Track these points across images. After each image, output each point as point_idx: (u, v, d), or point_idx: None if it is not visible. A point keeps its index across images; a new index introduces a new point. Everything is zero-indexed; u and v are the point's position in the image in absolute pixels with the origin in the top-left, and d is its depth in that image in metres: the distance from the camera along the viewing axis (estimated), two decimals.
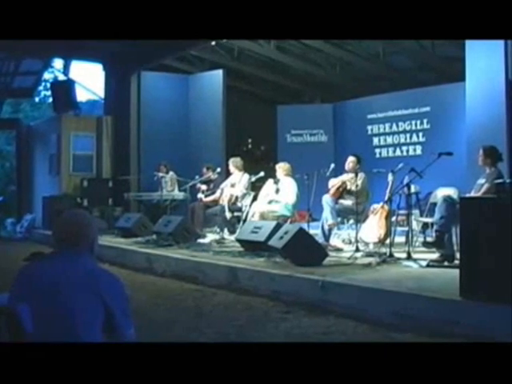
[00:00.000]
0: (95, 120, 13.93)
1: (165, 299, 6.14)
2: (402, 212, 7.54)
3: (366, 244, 7.51)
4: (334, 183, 8.29)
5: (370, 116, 12.24)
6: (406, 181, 6.84)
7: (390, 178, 7.35)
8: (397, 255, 6.64)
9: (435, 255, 6.33)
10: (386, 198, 7.27)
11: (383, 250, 7.00)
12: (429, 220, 7.25)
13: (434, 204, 6.82)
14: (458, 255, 5.29)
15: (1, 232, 14.70)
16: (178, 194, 10.57)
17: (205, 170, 10.50)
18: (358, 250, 7.21)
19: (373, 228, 7.31)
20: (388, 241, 7.02)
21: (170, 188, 10.93)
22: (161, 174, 10.77)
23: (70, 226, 2.37)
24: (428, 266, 6.10)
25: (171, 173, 11.14)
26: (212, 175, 10.36)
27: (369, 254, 7.02)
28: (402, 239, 7.54)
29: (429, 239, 6.72)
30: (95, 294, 2.21)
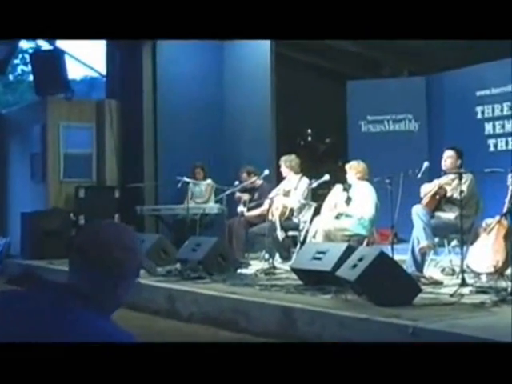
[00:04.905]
0: (94, 105, 14.14)
1: None
2: None
3: (477, 275, 7.44)
4: (427, 190, 8.27)
5: (479, 93, 12.16)
6: None
7: (511, 180, 7.29)
8: None
9: None
10: (505, 209, 7.22)
11: (502, 284, 6.92)
12: None
13: None
14: None
15: None
16: (211, 207, 10.65)
17: (245, 174, 10.57)
18: (464, 283, 7.16)
19: (486, 252, 7.25)
20: (509, 271, 6.96)
21: (205, 199, 11.02)
22: (191, 181, 10.84)
23: (93, 250, 2.13)
24: None
25: (209, 180, 11.23)
26: (257, 180, 10.43)
27: (481, 290, 6.94)
28: None
29: None
30: None
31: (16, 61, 23.08)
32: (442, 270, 8.44)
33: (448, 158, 8.24)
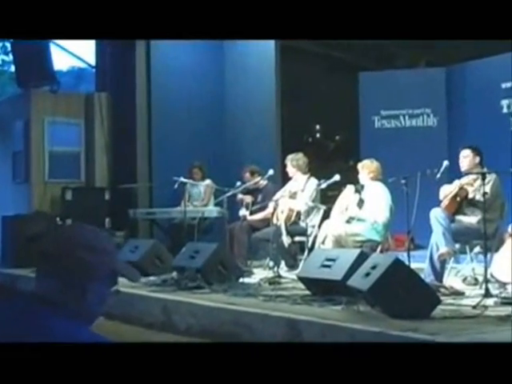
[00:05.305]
0: (83, 99, 14.17)
1: None
2: None
3: (502, 285, 7.43)
4: (447, 191, 8.27)
5: (505, 85, 12.14)
6: None
7: None
8: None
9: None
10: None
11: None
12: None
13: None
14: None
15: None
16: (211, 210, 10.64)
17: (247, 174, 10.58)
18: (488, 294, 7.15)
19: None
20: None
21: (204, 201, 11.02)
22: (189, 181, 10.83)
23: (55, 251, 2.15)
24: None
25: (208, 181, 11.24)
26: (261, 181, 10.44)
27: (506, 301, 6.94)
28: None
29: None
30: None
31: None
32: (464, 280, 8.43)
33: (464, 158, 8.25)
